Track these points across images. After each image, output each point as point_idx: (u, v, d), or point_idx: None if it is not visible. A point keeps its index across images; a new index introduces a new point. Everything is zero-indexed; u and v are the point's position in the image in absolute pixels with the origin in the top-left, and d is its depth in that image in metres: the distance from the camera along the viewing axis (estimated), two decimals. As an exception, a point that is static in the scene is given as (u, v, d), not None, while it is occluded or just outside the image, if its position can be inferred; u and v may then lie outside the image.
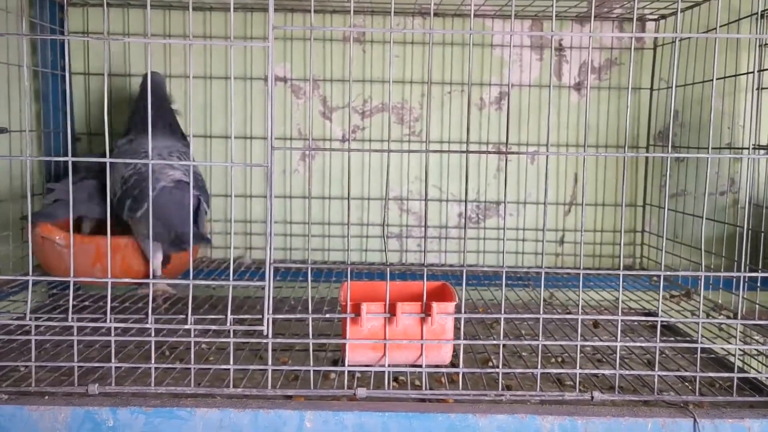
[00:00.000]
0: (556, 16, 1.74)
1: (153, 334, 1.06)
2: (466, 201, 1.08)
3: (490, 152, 1.46)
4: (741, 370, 1.20)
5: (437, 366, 1.14)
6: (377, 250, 1.84)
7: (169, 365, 1.13)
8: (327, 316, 1.14)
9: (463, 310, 1.09)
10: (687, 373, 1.17)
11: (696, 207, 1.75)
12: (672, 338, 1.41)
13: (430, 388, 1.10)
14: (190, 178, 1.20)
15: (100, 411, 0.99)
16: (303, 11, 1.77)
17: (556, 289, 1.66)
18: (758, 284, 1.39)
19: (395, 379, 1.17)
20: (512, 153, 1.53)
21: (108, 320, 1.04)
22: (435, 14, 1.76)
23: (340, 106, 1.83)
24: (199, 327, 1.05)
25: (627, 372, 1.16)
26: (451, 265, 1.84)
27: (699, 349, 1.13)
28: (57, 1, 1.71)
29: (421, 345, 1.10)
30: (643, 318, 1.30)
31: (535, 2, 1.61)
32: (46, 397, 1.02)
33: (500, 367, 1.09)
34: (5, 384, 1.06)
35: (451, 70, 1.81)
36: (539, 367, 1.08)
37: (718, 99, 1.78)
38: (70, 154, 1.54)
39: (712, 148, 1.10)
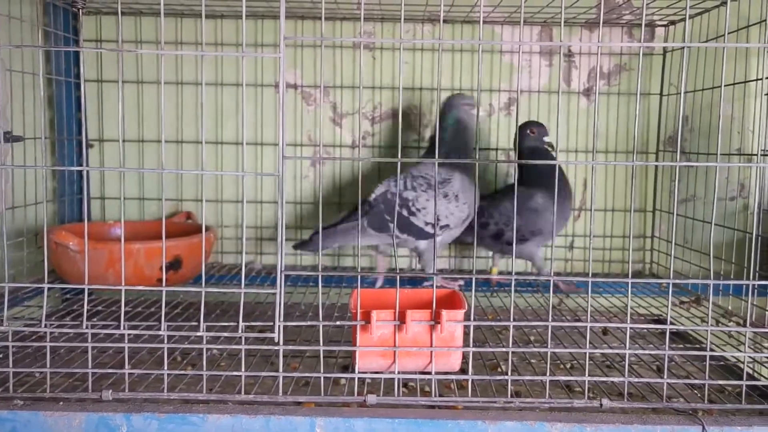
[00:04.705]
0: (565, 22, 1.75)
1: (165, 340, 1.08)
2: (475, 207, 1.09)
3: (499, 161, 1.46)
4: (750, 377, 1.20)
5: (447, 372, 1.15)
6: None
7: (182, 371, 1.14)
8: (337, 323, 1.15)
9: (472, 318, 1.10)
10: (696, 381, 1.17)
11: (706, 212, 1.75)
12: (681, 345, 1.41)
13: (440, 395, 1.11)
14: None
15: (114, 417, 1.01)
16: (313, 18, 1.78)
17: (565, 295, 1.66)
18: (768, 291, 1.39)
19: (405, 385, 1.17)
20: (521, 162, 1.53)
21: (121, 327, 1.06)
22: (444, 21, 1.77)
23: (350, 113, 1.84)
24: (211, 334, 1.07)
25: (636, 379, 1.16)
26: (461, 271, 1.85)
27: (708, 357, 1.12)
28: (71, 10, 1.73)
29: (431, 352, 1.10)
30: (652, 326, 1.30)
31: (544, 9, 1.61)
32: (61, 403, 1.04)
33: (509, 373, 1.09)
34: (21, 390, 1.08)
35: (461, 76, 1.81)
36: (548, 373, 1.08)
37: (727, 104, 1.78)
38: (85, 162, 1.57)
39: (722, 154, 1.10)
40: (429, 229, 1.54)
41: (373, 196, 1.60)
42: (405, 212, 1.55)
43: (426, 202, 1.54)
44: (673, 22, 1.77)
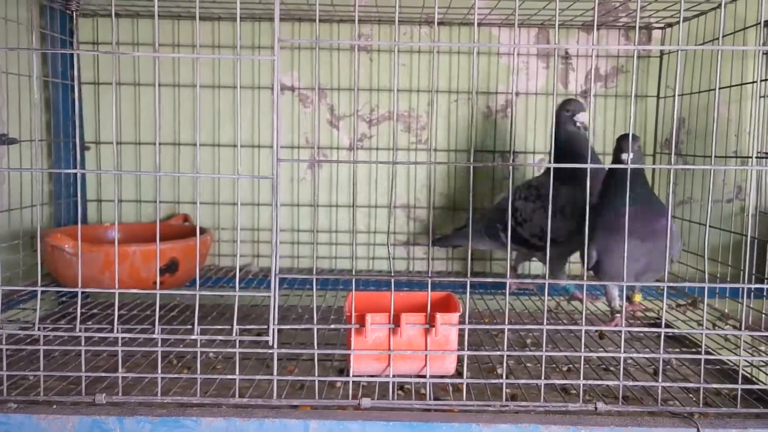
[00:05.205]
0: (562, 24, 1.75)
1: (160, 343, 1.07)
2: (470, 210, 1.08)
3: (495, 164, 1.46)
4: (746, 380, 1.20)
5: (442, 376, 1.15)
6: (384, 258, 1.85)
7: (176, 375, 1.14)
8: (332, 326, 1.15)
9: (467, 321, 1.09)
10: (692, 384, 1.17)
11: (702, 214, 1.74)
12: (677, 348, 1.40)
13: (435, 398, 1.10)
14: None
15: (107, 420, 1.00)
16: (310, 20, 1.78)
17: (561, 298, 1.66)
18: (765, 294, 1.39)
19: (400, 388, 1.17)
20: (517, 165, 1.53)
21: (115, 330, 1.05)
22: (441, 23, 1.77)
23: (348, 115, 1.84)
24: (206, 337, 1.06)
25: (632, 382, 1.16)
26: (458, 273, 1.85)
27: (703, 360, 1.12)
28: (67, 12, 1.73)
29: (426, 355, 1.10)
30: (648, 329, 1.30)
31: (540, 11, 1.61)
32: (54, 406, 1.03)
33: (505, 377, 1.09)
34: (14, 393, 1.07)
35: (458, 78, 1.81)
36: (544, 377, 1.08)
37: (724, 106, 1.78)
38: (79, 165, 1.58)
39: (718, 156, 1.10)
40: (535, 241, 1.51)
41: (495, 201, 1.63)
42: (513, 222, 1.51)
43: (531, 213, 1.51)
44: (670, 25, 1.77)
